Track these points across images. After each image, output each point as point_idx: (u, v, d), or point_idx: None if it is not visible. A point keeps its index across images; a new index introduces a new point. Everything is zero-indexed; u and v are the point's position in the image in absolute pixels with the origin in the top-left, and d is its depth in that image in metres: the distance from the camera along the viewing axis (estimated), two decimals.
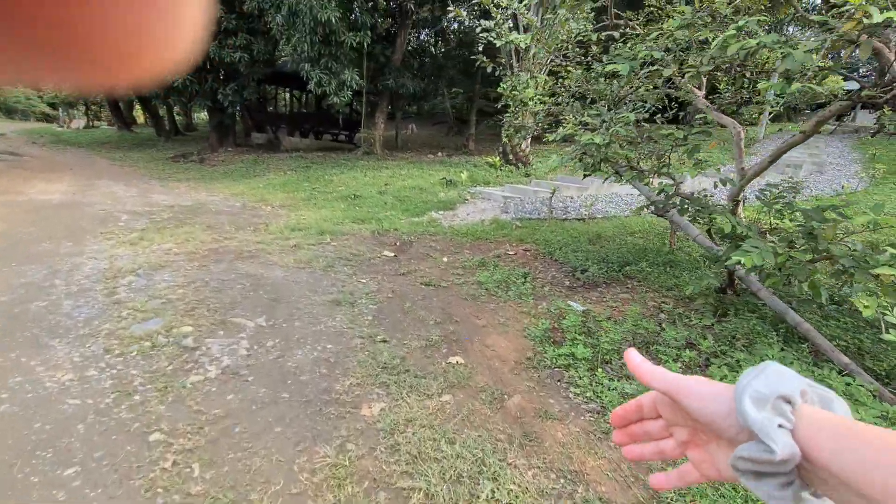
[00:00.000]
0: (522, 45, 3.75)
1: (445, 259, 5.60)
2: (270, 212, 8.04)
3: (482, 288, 4.47)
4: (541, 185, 9.76)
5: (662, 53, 2.89)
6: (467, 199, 8.80)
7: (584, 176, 4.74)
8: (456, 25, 17.89)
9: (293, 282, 4.44)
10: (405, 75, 14.11)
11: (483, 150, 16.27)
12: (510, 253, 5.94)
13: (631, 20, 4.00)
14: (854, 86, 4.05)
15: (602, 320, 3.65)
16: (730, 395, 0.38)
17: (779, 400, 0.35)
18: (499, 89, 12.31)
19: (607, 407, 2.61)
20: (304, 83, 11.82)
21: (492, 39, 4.80)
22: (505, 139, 12.23)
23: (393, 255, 5.54)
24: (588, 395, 2.73)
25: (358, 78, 10.56)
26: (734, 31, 2.44)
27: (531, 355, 3.17)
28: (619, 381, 2.83)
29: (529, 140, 12.33)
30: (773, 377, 0.36)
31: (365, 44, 10.21)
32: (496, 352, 3.22)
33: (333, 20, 8.90)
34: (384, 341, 3.30)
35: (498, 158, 11.22)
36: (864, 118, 16.63)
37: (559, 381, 2.89)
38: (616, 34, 3.43)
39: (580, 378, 2.87)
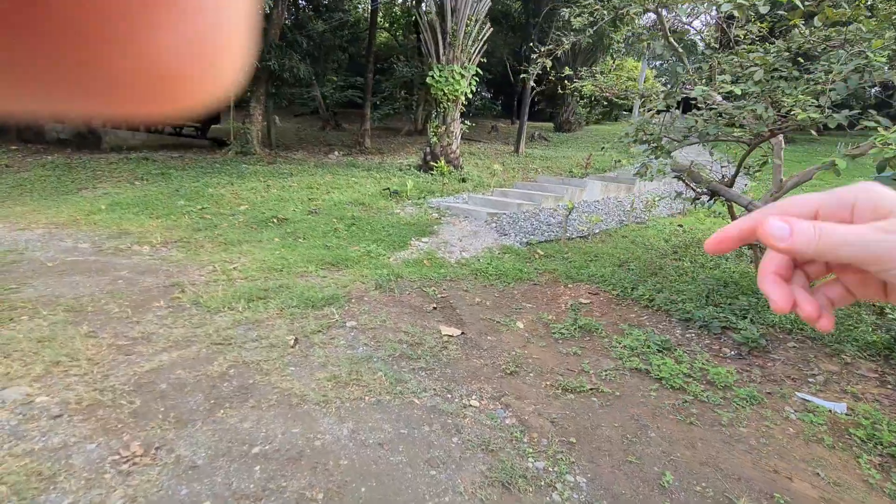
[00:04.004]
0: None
1: (521, 325, 3.81)
2: (152, 255, 4.95)
3: (667, 388, 2.87)
4: (507, 196, 8.37)
5: None
6: (441, 219, 6.91)
7: None
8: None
9: (375, 446, 2.18)
10: (291, 56, 11.17)
11: (383, 149, 14.16)
12: (584, 302, 4.42)
13: None
14: None
15: None
16: None
17: None
18: (427, 80, 10.57)
19: None
20: None
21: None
22: (434, 139, 10.51)
23: (459, 332, 3.51)
24: None
25: None
26: None
27: None
28: None
29: (459, 139, 10.84)
30: None
31: (267, 6, 7.29)
32: None
33: None
34: None
35: (443, 162, 9.45)
36: None
37: None
38: None
39: None
